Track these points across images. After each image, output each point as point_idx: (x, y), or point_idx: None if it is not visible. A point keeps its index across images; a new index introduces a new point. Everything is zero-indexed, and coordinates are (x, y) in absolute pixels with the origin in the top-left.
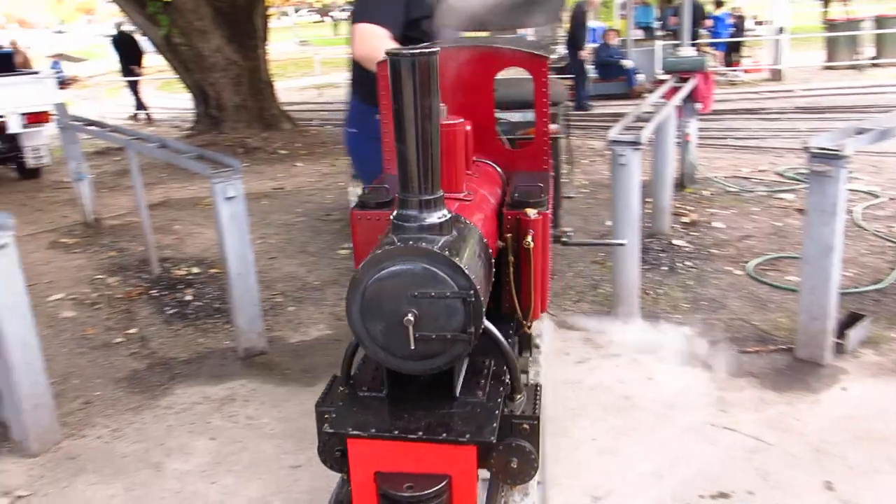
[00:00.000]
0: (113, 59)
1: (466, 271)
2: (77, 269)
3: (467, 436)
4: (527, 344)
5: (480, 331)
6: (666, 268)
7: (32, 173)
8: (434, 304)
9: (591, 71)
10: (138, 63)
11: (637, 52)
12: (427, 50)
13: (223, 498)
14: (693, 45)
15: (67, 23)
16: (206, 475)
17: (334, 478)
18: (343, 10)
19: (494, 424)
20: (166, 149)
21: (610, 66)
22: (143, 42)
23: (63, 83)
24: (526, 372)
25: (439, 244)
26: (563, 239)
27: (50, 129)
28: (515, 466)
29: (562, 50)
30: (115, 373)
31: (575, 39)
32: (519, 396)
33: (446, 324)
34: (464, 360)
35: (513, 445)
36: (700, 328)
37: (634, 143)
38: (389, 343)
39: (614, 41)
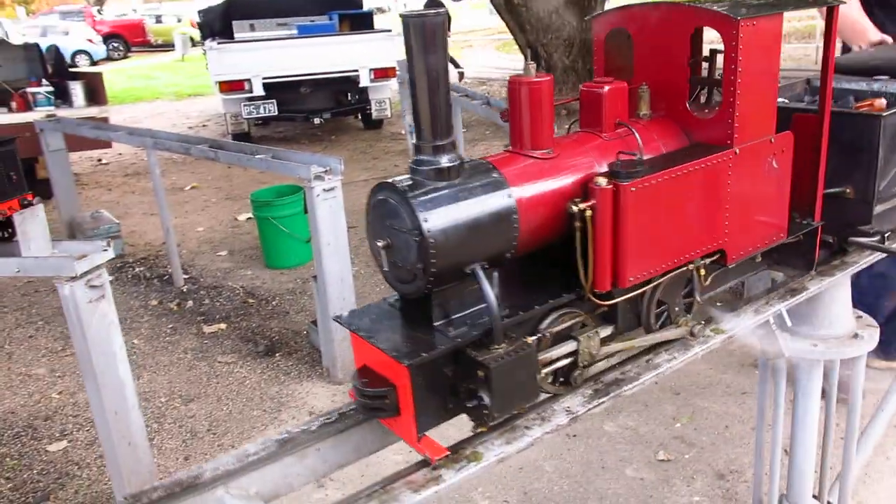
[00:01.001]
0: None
1: (419, 214)
2: None
3: (394, 353)
4: (610, 317)
5: (433, 270)
6: None
7: (375, 124)
8: (399, 236)
9: None
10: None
11: None
12: (433, 12)
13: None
14: None
15: None
16: None
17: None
18: None
19: (424, 355)
20: (489, 106)
21: None
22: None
23: None
24: (577, 339)
25: (414, 185)
26: (849, 240)
27: (393, 84)
28: (471, 407)
29: None
30: None
31: None
32: (496, 347)
33: (407, 256)
34: (441, 294)
35: (470, 387)
36: None
37: None
38: (381, 260)
39: None
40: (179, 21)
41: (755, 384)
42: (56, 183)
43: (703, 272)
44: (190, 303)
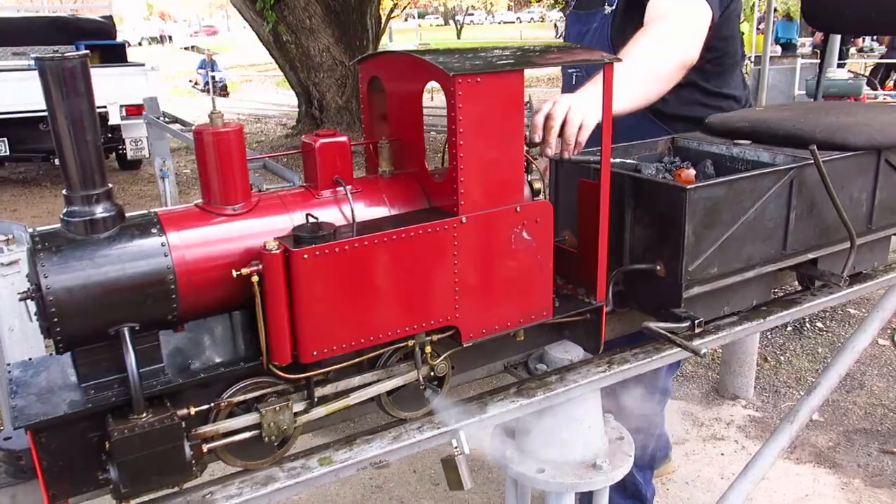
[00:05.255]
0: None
1: (40, 270)
2: None
3: (14, 412)
4: (308, 395)
5: (58, 330)
6: (790, 328)
7: (132, 164)
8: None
9: None
10: None
11: (775, 71)
12: (74, 55)
13: None
14: (842, 65)
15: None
16: None
17: None
18: (469, 14)
19: (41, 418)
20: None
21: None
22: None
23: (223, 88)
24: (259, 412)
25: (47, 238)
26: (643, 325)
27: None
28: (103, 480)
29: None
30: None
31: None
32: (135, 416)
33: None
34: (89, 354)
35: (104, 458)
36: (829, 414)
37: None
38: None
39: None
40: None
41: None
42: None
43: (429, 349)
44: None
